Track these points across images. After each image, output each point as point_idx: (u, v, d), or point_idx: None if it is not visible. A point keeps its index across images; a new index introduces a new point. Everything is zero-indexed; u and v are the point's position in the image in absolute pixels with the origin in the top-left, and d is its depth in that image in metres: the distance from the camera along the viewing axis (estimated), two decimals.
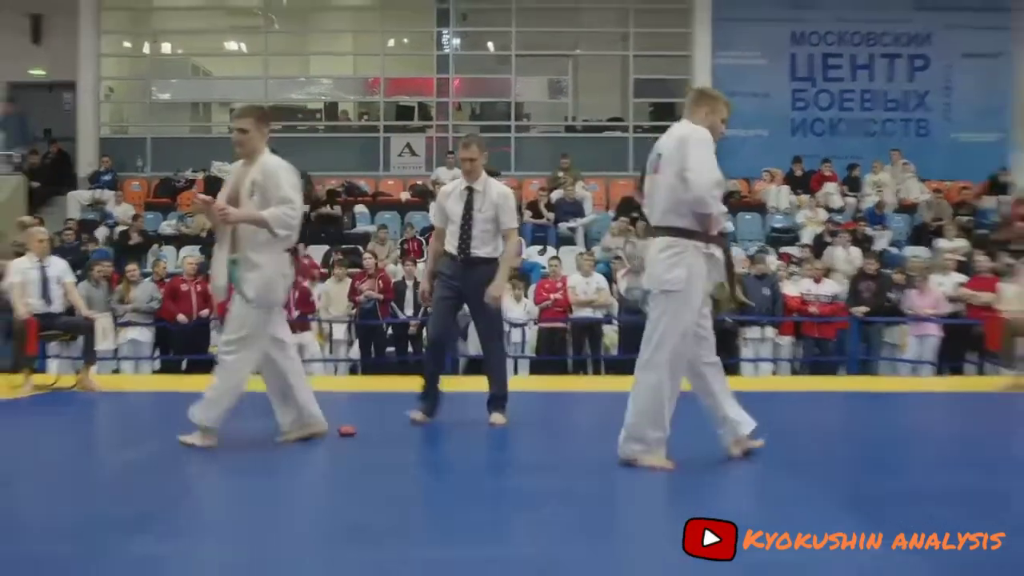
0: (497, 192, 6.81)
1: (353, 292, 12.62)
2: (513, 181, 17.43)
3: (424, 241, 14.22)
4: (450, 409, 7.14)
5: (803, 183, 17.16)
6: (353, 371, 12.77)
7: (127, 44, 20.06)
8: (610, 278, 13.29)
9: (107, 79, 19.38)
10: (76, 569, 3.42)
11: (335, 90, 20.04)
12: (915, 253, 14.38)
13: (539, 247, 15.25)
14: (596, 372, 12.64)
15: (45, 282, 9.40)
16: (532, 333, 12.68)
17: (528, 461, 5.93)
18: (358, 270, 13.11)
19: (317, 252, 14.65)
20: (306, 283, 12.47)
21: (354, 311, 12.62)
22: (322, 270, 13.55)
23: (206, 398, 5.72)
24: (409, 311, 12.52)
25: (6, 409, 8.23)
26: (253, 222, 5.66)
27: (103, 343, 10.16)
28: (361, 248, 14.58)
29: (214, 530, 4.20)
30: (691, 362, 5.22)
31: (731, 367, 10.09)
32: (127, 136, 19.35)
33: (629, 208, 15.90)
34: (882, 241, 15.22)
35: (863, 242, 14.63)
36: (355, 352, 12.86)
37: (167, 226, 16.19)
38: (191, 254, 13.66)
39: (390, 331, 12.71)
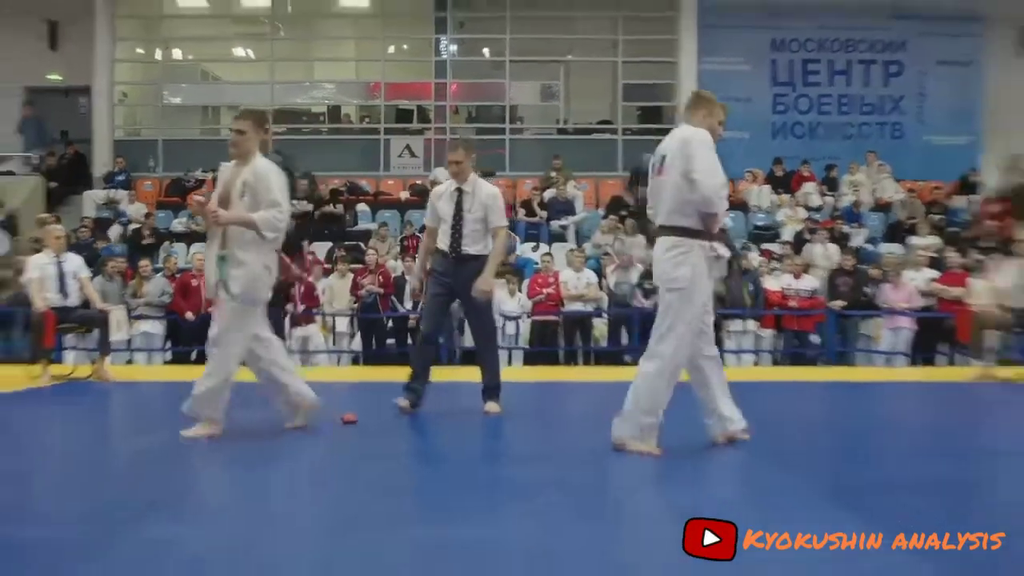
0: (486, 192, 6.80)
1: (355, 287, 12.62)
2: (507, 181, 17.53)
3: None
4: (446, 398, 7.14)
5: (784, 183, 17.17)
6: (355, 362, 12.78)
7: (140, 50, 19.99)
8: (600, 273, 13.28)
9: (121, 84, 19.33)
10: (94, 551, 3.40)
11: (338, 94, 20.00)
12: (890, 250, 14.38)
13: (532, 244, 15.25)
14: (586, 363, 12.64)
15: (62, 277, 9.42)
16: (525, 326, 12.69)
17: (522, 449, 5.92)
18: (360, 266, 13.11)
19: (321, 248, 14.67)
20: (310, 279, 12.50)
21: (356, 305, 12.62)
22: (325, 265, 13.53)
23: (199, 394, 5.67)
24: (409, 305, 12.48)
25: (25, 398, 8.23)
26: (242, 224, 5.62)
27: (117, 334, 10.15)
28: (363, 245, 14.55)
29: (221, 514, 4.18)
30: (691, 355, 5.22)
31: None
32: (140, 138, 19.28)
33: (618, 207, 15.91)
34: (858, 238, 15.22)
35: (840, 239, 14.62)
36: (357, 344, 12.87)
37: (178, 224, 16.14)
38: (201, 251, 13.58)
39: (390, 324, 12.72)
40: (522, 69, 19.09)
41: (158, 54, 19.87)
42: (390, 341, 12.71)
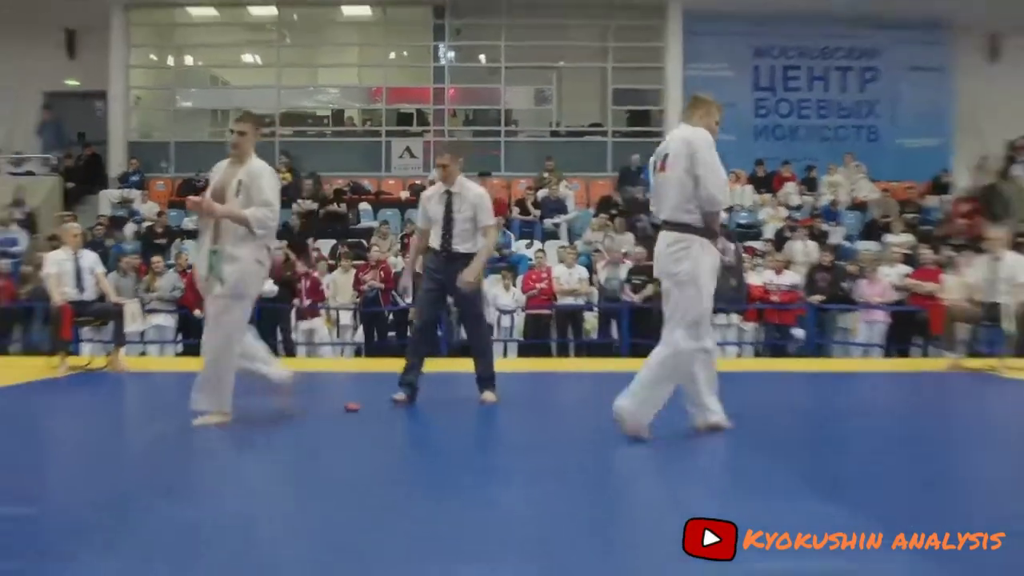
0: (474, 193, 6.78)
1: (358, 282, 12.61)
2: (502, 181, 17.59)
3: None
4: (443, 388, 7.13)
5: (765, 183, 17.16)
6: (358, 353, 12.75)
7: (153, 57, 19.91)
8: (590, 269, 13.28)
9: (135, 88, 19.24)
10: (113, 535, 3.38)
11: (341, 98, 19.93)
12: (866, 247, 14.37)
13: (526, 241, 15.23)
14: (578, 354, 12.63)
15: (79, 272, 9.39)
16: (520, 319, 12.68)
17: (518, 435, 5.92)
18: (362, 262, 13.10)
19: (325, 245, 14.64)
20: (315, 274, 12.50)
21: (359, 299, 12.60)
22: (329, 261, 13.52)
23: (205, 388, 5.65)
24: (408, 299, 12.47)
25: (44, 388, 8.19)
26: (235, 219, 5.59)
27: (132, 325, 10.13)
28: (365, 242, 14.54)
29: (232, 497, 4.18)
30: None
31: None
32: (153, 140, 19.19)
33: (607, 206, 15.93)
34: (836, 236, 15.21)
35: (819, 237, 14.62)
36: (360, 336, 12.85)
37: (189, 222, 16.04)
38: None
39: (391, 317, 12.67)
40: (516, 74, 19.04)
41: (171, 60, 19.79)
42: (391, 334, 12.67)
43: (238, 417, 5.74)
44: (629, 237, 14.23)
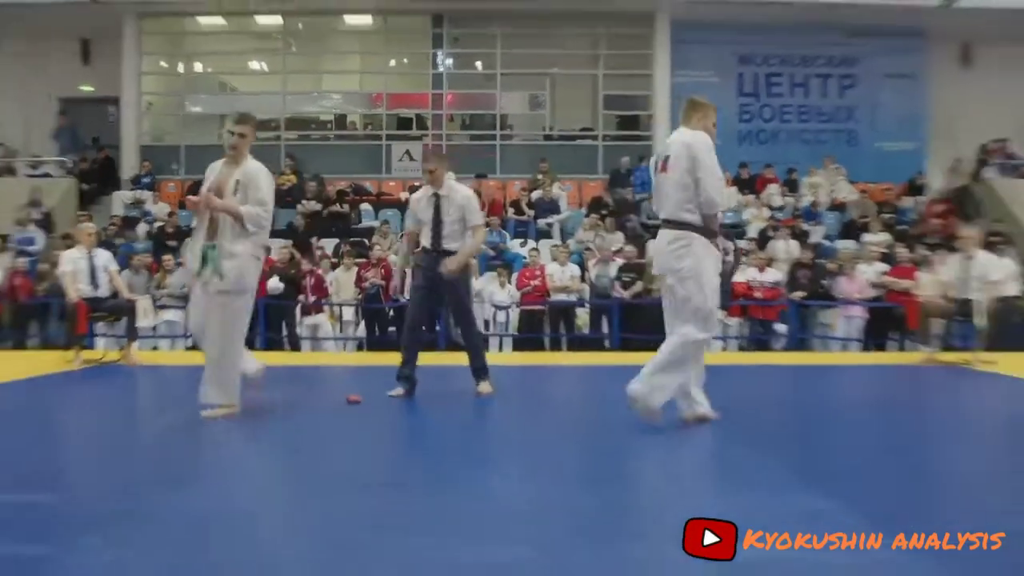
0: (461, 195, 6.77)
1: (359, 279, 12.59)
2: (498, 183, 17.60)
3: None
4: (441, 381, 7.13)
5: (749, 185, 17.15)
6: (360, 348, 12.74)
7: (164, 64, 19.87)
8: (582, 267, 13.28)
9: (147, 94, 19.21)
10: (127, 522, 3.37)
11: (344, 103, 19.88)
12: (845, 245, 14.36)
13: (521, 240, 15.21)
14: (570, 348, 12.60)
15: (93, 270, 9.38)
16: (514, 315, 12.66)
17: (513, 424, 5.92)
18: (364, 260, 13.07)
19: (328, 244, 14.62)
20: (319, 271, 12.48)
21: (360, 295, 12.59)
22: (333, 259, 13.50)
23: (213, 382, 5.63)
24: (405, 297, 12.46)
25: (60, 381, 8.19)
26: (231, 214, 5.55)
27: (144, 321, 10.13)
28: (367, 241, 14.50)
29: (241, 486, 4.18)
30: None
31: None
32: (164, 144, 19.15)
33: (599, 206, 15.94)
34: (816, 235, 15.21)
35: (800, 236, 14.62)
36: (361, 331, 12.83)
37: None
38: None
39: (391, 313, 12.65)
40: (511, 81, 19.03)
41: (181, 67, 19.75)
42: (391, 329, 12.65)
43: (245, 409, 5.73)
44: (619, 236, 14.24)
